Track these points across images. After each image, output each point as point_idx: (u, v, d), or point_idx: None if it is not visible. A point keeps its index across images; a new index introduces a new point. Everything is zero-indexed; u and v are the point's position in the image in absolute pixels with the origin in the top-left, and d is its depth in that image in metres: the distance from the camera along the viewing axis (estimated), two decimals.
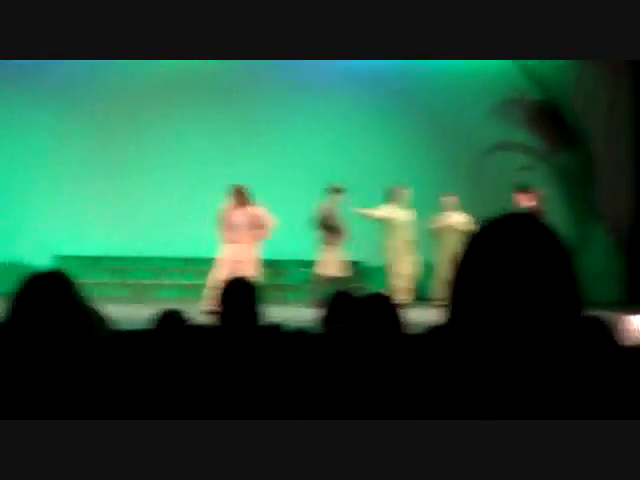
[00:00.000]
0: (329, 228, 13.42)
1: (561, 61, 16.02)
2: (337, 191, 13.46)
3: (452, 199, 14.15)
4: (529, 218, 1.50)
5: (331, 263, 13.49)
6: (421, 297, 13.82)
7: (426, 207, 13.86)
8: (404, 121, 15.72)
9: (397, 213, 13.77)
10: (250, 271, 12.46)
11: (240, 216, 12.63)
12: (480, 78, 15.70)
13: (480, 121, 15.78)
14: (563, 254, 1.49)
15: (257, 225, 12.69)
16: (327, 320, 4.34)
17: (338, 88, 15.60)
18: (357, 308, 4.09)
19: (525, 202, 12.57)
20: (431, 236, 14.00)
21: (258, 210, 12.72)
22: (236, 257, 12.55)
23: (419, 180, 14.41)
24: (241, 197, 12.63)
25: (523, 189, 12.65)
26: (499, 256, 1.46)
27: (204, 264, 14.30)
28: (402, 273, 13.83)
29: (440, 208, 14.02)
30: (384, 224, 13.78)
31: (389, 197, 13.73)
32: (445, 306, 1.54)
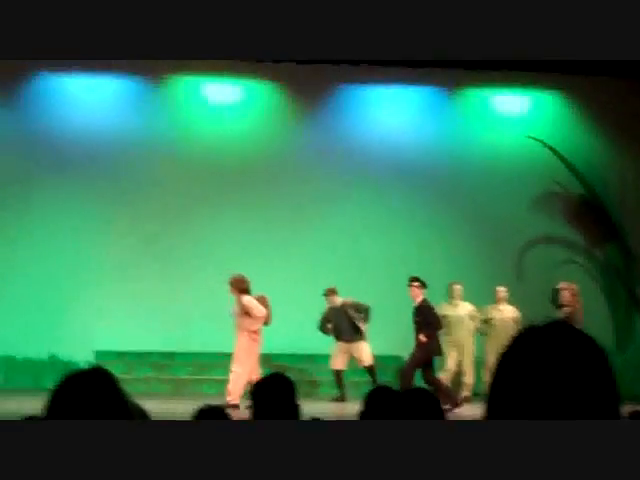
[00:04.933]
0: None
1: (603, 155, 16.03)
2: (331, 293, 13.67)
3: (501, 291, 14.02)
4: (569, 326, 1.57)
5: (338, 357, 13.57)
6: (477, 393, 13.50)
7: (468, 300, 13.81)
8: (447, 214, 15.69)
9: (449, 309, 13.65)
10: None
11: (234, 306, 12.52)
12: (522, 171, 15.71)
13: (522, 214, 15.73)
14: (600, 357, 1.53)
15: (245, 314, 12.43)
16: (365, 415, 4.29)
17: (380, 181, 15.63)
18: (398, 403, 4.04)
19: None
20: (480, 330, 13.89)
21: (244, 299, 12.43)
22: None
23: (459, 273, 14.33)
24: (237, 286, 12.42)
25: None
26: (538, 358, 1.51)
27: None
28: (449, 369, 13.65)
29: (488, 301, 13.88)
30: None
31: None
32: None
